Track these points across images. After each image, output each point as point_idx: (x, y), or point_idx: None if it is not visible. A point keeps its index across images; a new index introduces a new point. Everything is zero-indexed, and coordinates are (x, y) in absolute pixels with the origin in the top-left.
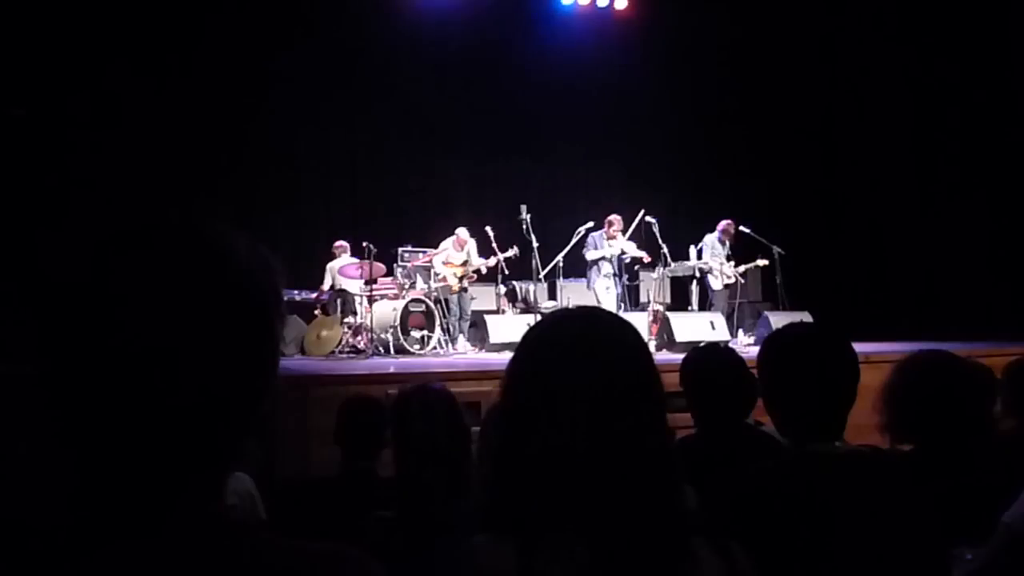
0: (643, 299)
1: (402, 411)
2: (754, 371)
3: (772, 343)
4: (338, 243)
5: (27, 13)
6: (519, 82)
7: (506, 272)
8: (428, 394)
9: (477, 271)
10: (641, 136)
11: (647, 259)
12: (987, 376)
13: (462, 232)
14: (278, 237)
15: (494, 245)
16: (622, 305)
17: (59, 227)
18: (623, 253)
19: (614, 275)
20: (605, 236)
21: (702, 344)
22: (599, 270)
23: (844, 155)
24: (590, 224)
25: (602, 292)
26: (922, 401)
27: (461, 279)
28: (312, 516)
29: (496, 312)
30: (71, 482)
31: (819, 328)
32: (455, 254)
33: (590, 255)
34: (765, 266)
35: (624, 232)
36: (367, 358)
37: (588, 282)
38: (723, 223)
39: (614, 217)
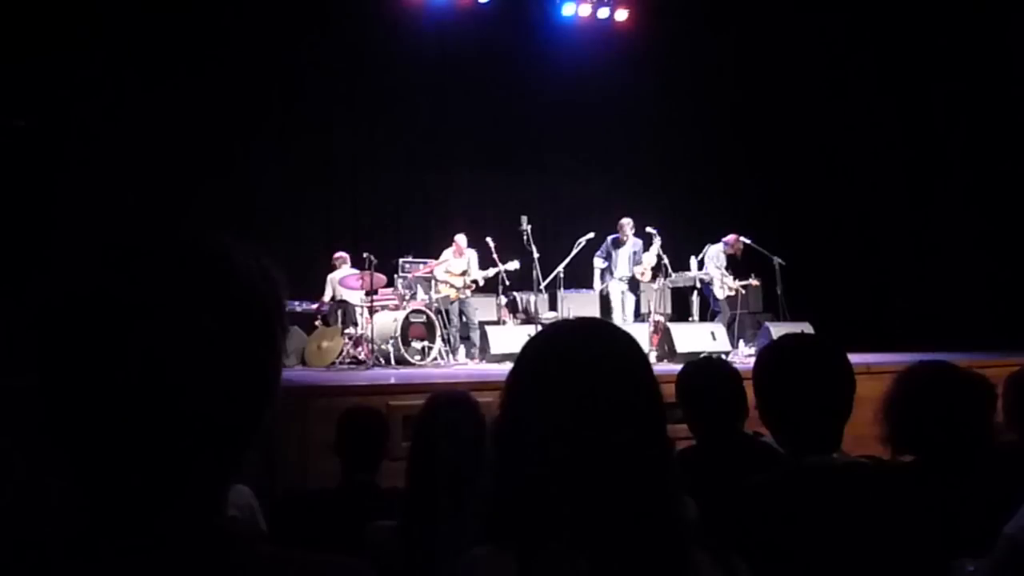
0: (644, 310)
1: (427, 425)
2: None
3: (766, 356)
4: (338, 254)
5: (27, 22)
6: (520, 93)
7: (507, 283)
8: (456, 411)
9: (475, 281)
10: (641, 147)
11: (643, 277)
12: (987, 387)
13: (460, 239)
14: (279, 248)
15: (495, 256)
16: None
17: (61, 238)
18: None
19: (629, 278)
20: (620, 239)
21: (702, 355)
22: (612, 274)
23: (844, 166)
24: (590, 235)
25: (616, 297)
26: (922, 412)
27: (460, 288)
28: (312, 528)
29: (497, 323)
30: (70, 492)
31: (813, 340)
32: (455, 262)
33: (596, 262)
34: (757, 286)
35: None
36: (368, 369)
37: (602, 287)
38: (731, 237)
39: (625, 220)
